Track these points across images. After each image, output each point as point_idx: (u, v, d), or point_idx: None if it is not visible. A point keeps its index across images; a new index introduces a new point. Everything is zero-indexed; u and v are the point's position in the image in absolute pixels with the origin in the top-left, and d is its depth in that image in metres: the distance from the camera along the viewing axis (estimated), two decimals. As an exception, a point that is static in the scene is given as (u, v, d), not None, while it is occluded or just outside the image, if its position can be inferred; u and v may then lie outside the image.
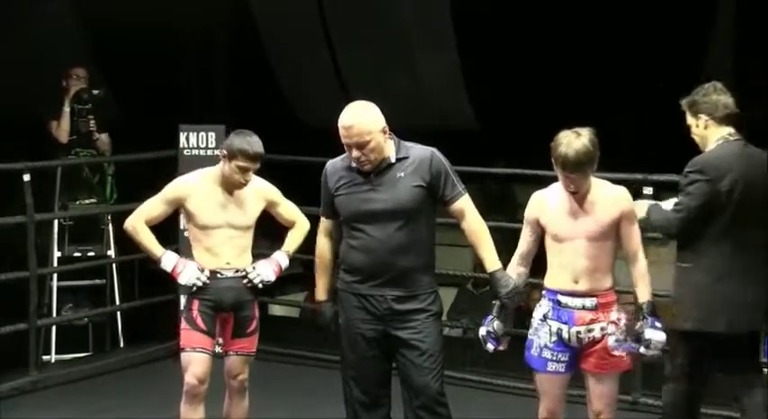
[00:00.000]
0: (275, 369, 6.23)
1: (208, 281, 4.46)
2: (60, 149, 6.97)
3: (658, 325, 3.98)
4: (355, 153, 4.02)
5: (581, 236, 4.01)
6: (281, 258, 4.64)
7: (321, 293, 4.32)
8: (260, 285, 4.54)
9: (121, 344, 7.01)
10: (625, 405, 5.51)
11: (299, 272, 8.95)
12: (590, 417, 4.17)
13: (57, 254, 6.93)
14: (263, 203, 4.57)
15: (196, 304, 4.48)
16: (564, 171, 3.97)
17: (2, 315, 6.00)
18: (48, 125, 6.98)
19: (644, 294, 4.05)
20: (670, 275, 4.40)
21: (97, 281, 7.10)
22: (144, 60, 7.86)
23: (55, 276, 6.93)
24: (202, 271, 4.47)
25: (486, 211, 4.41)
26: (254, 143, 4.42)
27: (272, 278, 4.58)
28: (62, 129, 6.94)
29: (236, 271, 4.50)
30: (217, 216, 4.46)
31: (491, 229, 4.21)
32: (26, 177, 5.91)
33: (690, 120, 4.32)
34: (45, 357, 6.61)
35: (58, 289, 6.96)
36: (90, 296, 7.16)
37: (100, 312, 7.04)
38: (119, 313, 7.04)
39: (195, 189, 4.50)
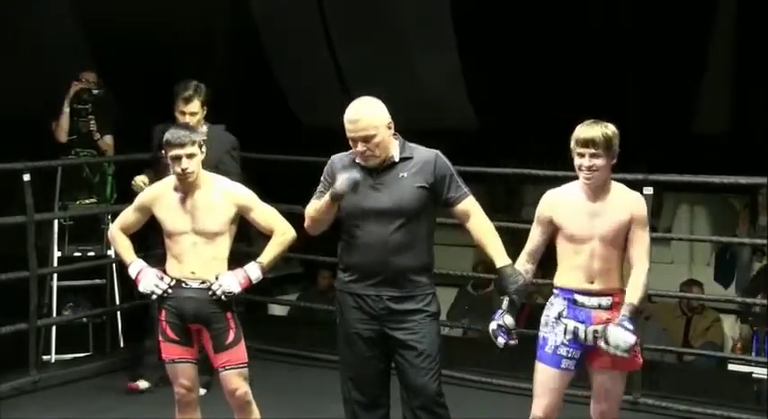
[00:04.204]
0: (275, 369, 6.23)
1: (169, 289, 4.33)
2: (60, 149, 6.97)
3: (629, 326, 3.94)
4: (360, 147, 4.00)
5: (596, 238, 4.00)
6: (251, 270, 4.34)
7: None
8: (223, 297, 4.29)
9: (121, 344, 7.00)
10: (625, 405, 5.50)
11: (299, 272, 8.96)
12: (593, 415, 4.17)
13: (57, 254, 6.91)
14: (234, 208, 4.33)
15: (163, 313, 4.37)
16: (577, 146, 3.97)
17: (2, 315, 5.99)
18: (51, 125, 6.97)
19: (631, 296, 4.01)
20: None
21: (97, 281, 7.08)
22: (144, 61, 7.85)
23: (55, 276, 6.91)
24: (162, 278, 4.35)
25: (487, 212, 4.40)
26: (176, 131, 4.30)
27: (237, 290, 4.29)
28: (62, 129, 6.93)
29: (202, 282, 4.31)
30: (182, 221, 4.30)
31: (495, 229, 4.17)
32: (26, 177, 5.90)
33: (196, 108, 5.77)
34: (45, 357, 6.59)
35: (58, 289, 6.94)
36: (90, 296, 7.14)
37: (100, 312, 7.02)
38: (119, 313, 7.03)
39: (162, 194, 4.38)
